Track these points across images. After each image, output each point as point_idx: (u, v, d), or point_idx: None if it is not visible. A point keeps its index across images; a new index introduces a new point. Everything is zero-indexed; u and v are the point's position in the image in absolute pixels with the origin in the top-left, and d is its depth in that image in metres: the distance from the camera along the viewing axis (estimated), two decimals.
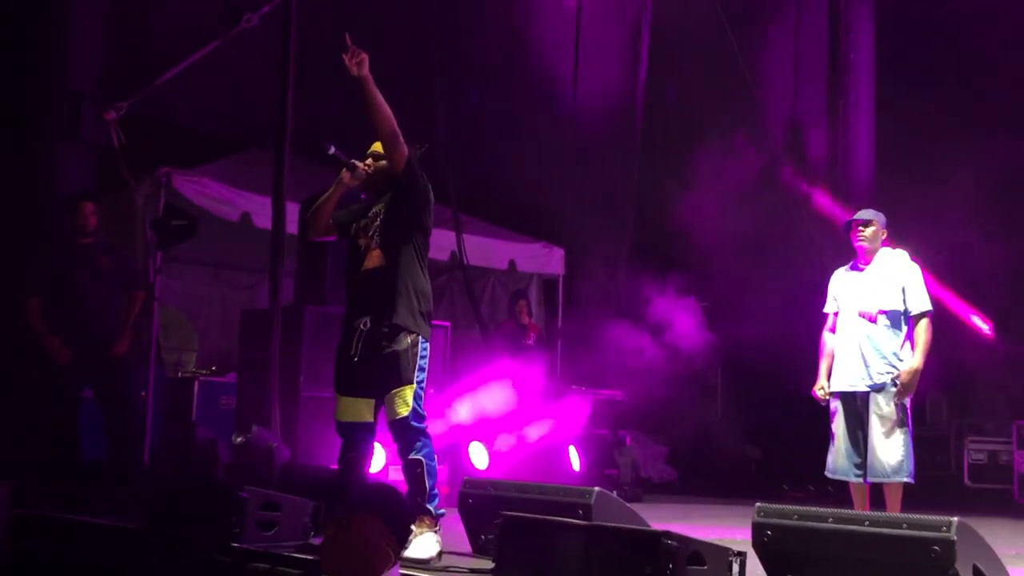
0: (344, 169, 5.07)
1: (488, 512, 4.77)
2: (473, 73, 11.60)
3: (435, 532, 4.84)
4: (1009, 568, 3.93)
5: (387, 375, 4.91)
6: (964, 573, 3.62)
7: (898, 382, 5.77)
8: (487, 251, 10.48)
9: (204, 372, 9.01)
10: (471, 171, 10.73)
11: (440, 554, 4.79)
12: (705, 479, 11.45)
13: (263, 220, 8.22)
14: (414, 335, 4.95)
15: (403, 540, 4.58)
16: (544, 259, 11.07)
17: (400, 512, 4.62)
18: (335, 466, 5.32)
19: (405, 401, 4.88)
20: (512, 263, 10.74)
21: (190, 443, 7.55)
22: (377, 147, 5.15)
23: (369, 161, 5.12)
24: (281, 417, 6.95)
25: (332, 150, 4.97)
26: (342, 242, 5.37)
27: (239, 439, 6.65)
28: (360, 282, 5.00)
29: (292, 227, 7.54)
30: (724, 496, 9.35)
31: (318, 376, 6.97)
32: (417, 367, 4.93)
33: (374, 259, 4.98)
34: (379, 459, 6.99)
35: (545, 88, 11.85)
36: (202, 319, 10.31)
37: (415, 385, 4.91)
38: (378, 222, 5.03)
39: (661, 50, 11.76)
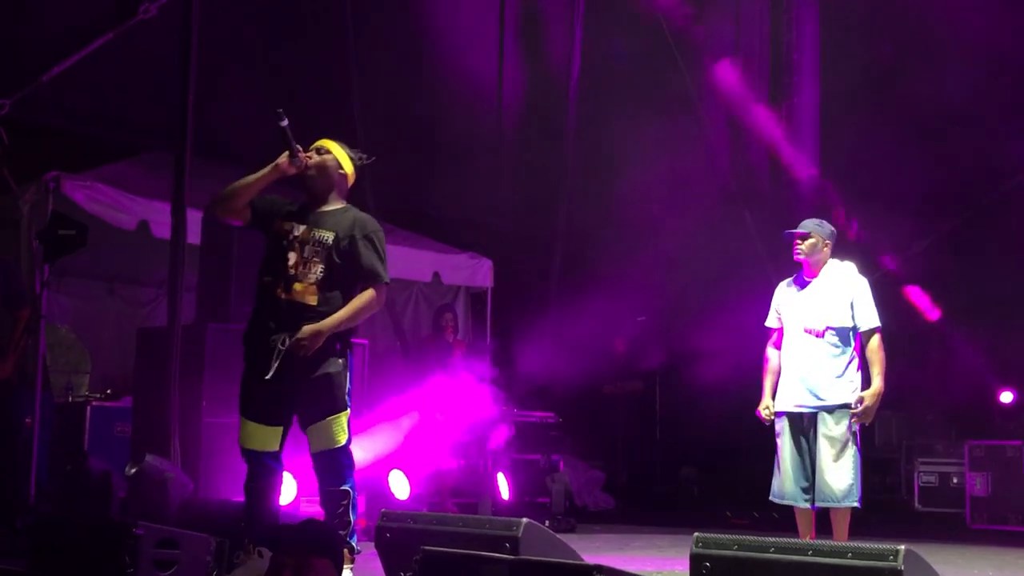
0: (285, 152, 4.96)
1: (407, 547, 4.71)
2: (394, 75, 11.59)
3: (351, 569, 4.81)
4: None
5: (316, 400, 4.84)
6: None
7: (859, 406, 5.83)
8: (409, 262, 10.41)
9: (97, 396, 8.81)
10: (392, 179, 10.70)
11: None
12: (644, 507, 11.52)
13: (162, 229, 8.07)
14: (344, 357, 4.91)
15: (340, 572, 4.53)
16: (471, 271, 11.04)
17: (341, 550, 4.57)
18: (240, 498, 5.23)
19: (343, 428, 4.86)
20: (436, 275, 10.70)
21: (80, 475, 7.36)
22: (323, 142, 5.08)
23: (312, 153, 5.04)
24: (181, 445, 6.82)
25: (285, 122, 4.88)
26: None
27: (133, 470, 6.51)
28: (282, 306, 4.86)
29: (194, 237, 7.42)
30: (664, 525, 9.40)
31: (221, 400, 6.85)
32: (346, 391, 4.90)
33: (307, 294, 4.86)
34: (290, 490, 6.90)
35: (470, 92, 11.89)
36: (94, 338, 10.07)
37: (348, 410, 4.89)
38: (322, 256, 4.88)
39: (593, 49, 11.86)
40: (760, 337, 6.33)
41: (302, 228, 4.94)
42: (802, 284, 6.15)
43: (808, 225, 6.14)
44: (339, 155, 5.07)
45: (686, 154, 11.78)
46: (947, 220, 11.45)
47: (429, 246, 10.78)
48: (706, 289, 10.86)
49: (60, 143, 9.41)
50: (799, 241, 6.09)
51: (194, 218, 7.30)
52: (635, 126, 11.41)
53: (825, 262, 6.12)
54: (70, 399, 8.85)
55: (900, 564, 3.62)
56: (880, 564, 3.65)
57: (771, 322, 6.25)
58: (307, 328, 4.76)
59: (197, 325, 7.36)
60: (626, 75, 12.02)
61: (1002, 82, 11.16)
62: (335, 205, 5.04)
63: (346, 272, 4.91)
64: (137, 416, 7.70)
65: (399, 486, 8.02)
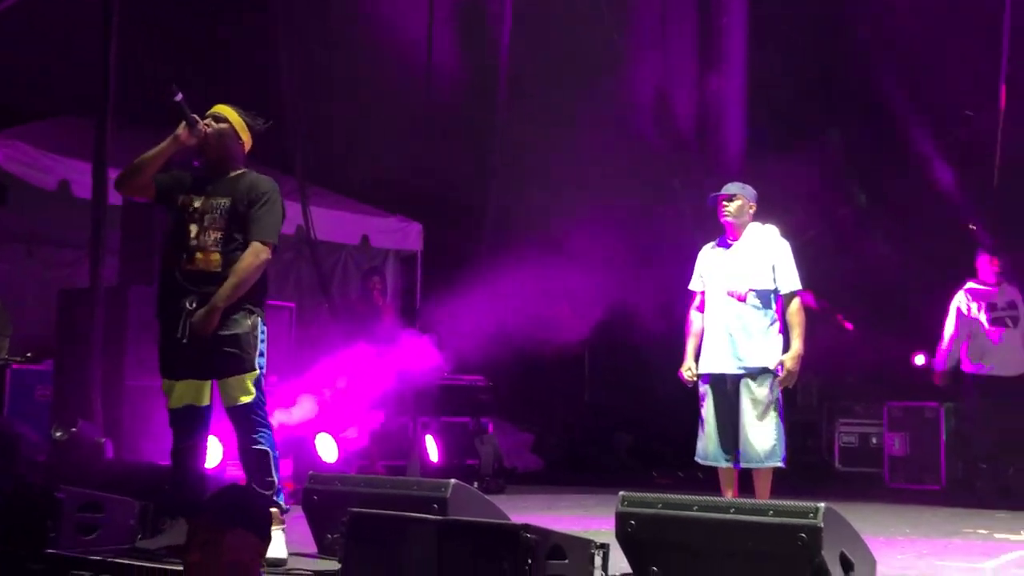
0: (183, 123, 4.90)
1: (335, 509, 4.72)
2: (322, 39, 11.43)
3: (282, 530, 4.79)
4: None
5: (225, 359, 4.80)
6: (831, 560, 3.75)
7: (781, 371, 5.91)
8: (338, 225, 10.34)
9: (17, 359, 8.62)
10: (321, 140, 10.59)
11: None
12: (572, 468, 11.62)
13: (84, 189, 7.91)
14: (254, 316, 4.87)
15: (267, 544, 4.50)
16: (401, 234, 11.00)
17: (264, 516, 4.54)
18: (164, 462, 5.18)
19: (246, 388, 4.81)
20: (365, 238, 10.63)
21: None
22: (219, 109, 5.03)
23: (209, 121, 4.98)
24: (104, 409, 6.72)
25: (179, 96, 4.83)
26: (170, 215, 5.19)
27: (59, 434, 6.41)
28: (187, 276, 4.84)
29: (116, 197, 7.27)
30: (591, 486, 9.50)
31: (145, 363, 6.74)
32: (258, 351, 4.86)
33: (211, 263, 4.83)
34: (215, 454, 6.84)
35: (400, 55, 11.78)
36: (14, 300, 9.84)
37: (257, 371, 4.85)
38: (220, 223, 4.85)
39: (523, 16, 11.81)
40: (687, 301, 6.37)
41: (201, 199, 4.94)
42: (725, 246, 6.19)
43: (733, 187, 6.19)
44: (236, 122, 5.04)
45: (616, 120, 11.81)
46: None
47: (358, 209, 10.70)
48: (636, 254, 10.92)
49: None
50: (725, 203, 6.12)
51: (114, 178, 7.15)
52: (566, 91, 11.41)
53: (748, 225, 6.16)
54: None
55: (820, 521, 3.70)
56: (800, 521, 3.72)
57: (694, 285, 6.29)
58: (198, 313, 4.74)
59: (120, 287, 7.25)
60: (558, 40, 11.99)
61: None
62: (233, 172, 5.02)
63: (245, 236, 4.89)
64: (58, 379, 7.57)
65: (327, 449, 7.99)
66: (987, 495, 8.75)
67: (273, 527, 4.71)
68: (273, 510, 4.77)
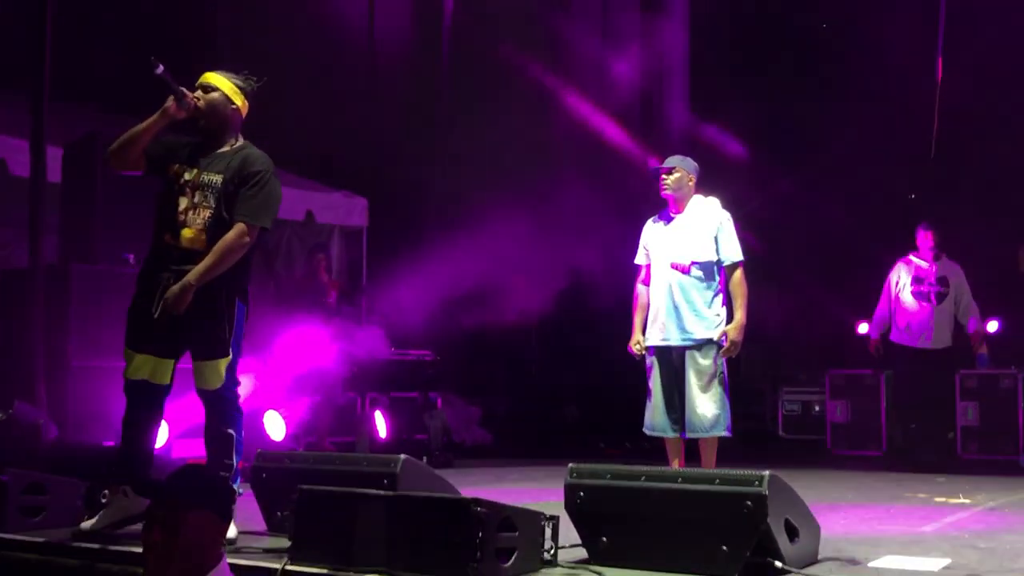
0: (170, 96, 4.74)
1: (284, 487, 4.70)
2: (263, 12, 11.28)
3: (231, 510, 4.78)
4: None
5: (197, 340, 4.75)
6: (776, 527, 3.83)
7: (725, 341, 5.97)
8: (282, 201, 10.23)
9: None
10: (263, 116, 10.45)
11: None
12: (520, 441, 11.68)
13: (20, 167, 7.76)
14: (233, 302, 4.80)
15: (227, 524, 4.47)
16: (345, 210, 10.92)
17: (226, 496, 4.50)
18: (108, 443, 5.12)
19: (219, 374, 4.76)
20: (310, 214, 10.55)
21: None
22: (208, 77, 4.88)
23: (198, 92, 4.84)
24: (47, 390, 6.63)
25: (160, 70, 4.67)
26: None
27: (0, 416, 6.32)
28: (172, 252, 4.75)
29: (54, 175, 7.17)
30: (540, 458, 9.56)
31: (89, 343, 6.67)
32: (233, 337, 4.80)
33: (196, 242, 4.73)
34: (162, 433, 6.78)
35: (343, 28, 11.67)
36: None
37: (230, 357, 4.79)
38: (211, 202, 4.73)
39: None
40: (632, 274, 6.41)
41: (193, 171, 4.80)
42: (668, 220, 6.23)
43: (673, 160, 6.22)
44: (226, 88, 4.87)
45: (560, 89, 11.82)
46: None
47: (302, 185, 10.60)
48: (583, 226, 10.96)
49: None
50: (665, 176, 6.16)
51: (54, 155, 7.05)
52: (510, 64, 11.38)
53: (690, 197, 6.21)
54: None
55: (765, 489, 3.77)
56: (746, 489, 3.79)
57: (640, 259, 6.33)
58: (172, 289, 4.64)
59: (60, 266, 7.14)
60: (501, 8, 11.95)
61: None
62: (229, 145, 4.87)
63: (231, 215, 4.75)
64: None
65: (275, 427, 7.97)
66: (923, 460, 8.95)
67: None
68: None
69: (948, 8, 10.63)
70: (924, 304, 9.13)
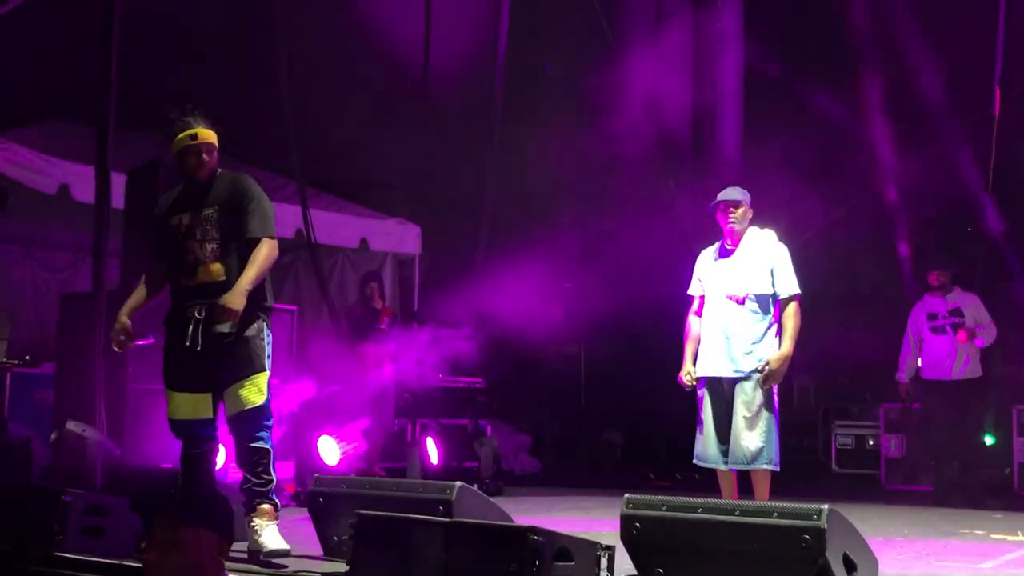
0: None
1: (341, 511, 4.77)
2: (321, 38, 11.45)
3: (276, 524, 4.87)
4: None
5: (233, 364, 4.87)
6: (834, 561, 3.80)
7: (766, 369, 5.95)
8: (337, 228, 10.37)
9: (16, 363, 8.64)
10: (320, 143, 10.61)
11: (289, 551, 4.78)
12: (569, 470, 11.67)
13: (83, 192, 7.92)
14: (259, 320, 4.94)
15: (231, 542, 4.56)
16: (399, 237, 11.02)
17: (225, 515, 4.59)
18: (167, 465, 5.21)
19: (260, 389, 4.90)
20: (364, 241, 10.66)
21: (1, 442, 7.24)
22: (204, 135, 5.01)
23: (204, 157, 5.00)
24: (107, 412, 6.74)
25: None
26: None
27: (56, 436, 6.43)
28: (194, 291, 4.94)
29: (117, 200, 7.31)
30: (589, 487, 9.55)
31: (147, 366, 6.77)
32: (266, 354, 4.95)
33: (213, 273, 4.93)
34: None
35: (397, 58, 11.81)
36: (13, 303, 9.88)
37: (267, 372, 4.93)
38: (214, 233, 4.94)
39: (522, 17, 11.85)
40: (683, 304, 6.41)
41: (188, 215, 5.02)
42: (724, 252, 6.22)
43: (736, 193, 6.17)
44: (215, 140, 5.06)
45: (611, 121, 11.85)
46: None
47: (356, 212, 10.73)
48: (633, 255, 10.97)
49: None
50: (733, 210, 6.14)
51: (117, 181, 7.19)
52: (561, 92, 11.45)
53: (747, 230, 6.20)
54: None
55: (823, 523, 3.75)
56: (805, 523, 3.77)
57: (693, 290, 6.32)
58: (224, 298, 4.80)
59: (122, 290, 7.25)
60: (555, 37, 12.04)
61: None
62: (209, 177, 5.07)
63: (238, 236, 4.97)
64: (60, 383, 7.60)
65: (329, 452, 8.03)
66: (975, 495, 8.87)
67: (267, 522, 4.83)
68: (267, 506, 4.86)
69: (1006, 41, 10.56)
70: (943, 337, 9.24)
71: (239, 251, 4.94)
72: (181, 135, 5.00)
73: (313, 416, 8.11)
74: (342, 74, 11.72)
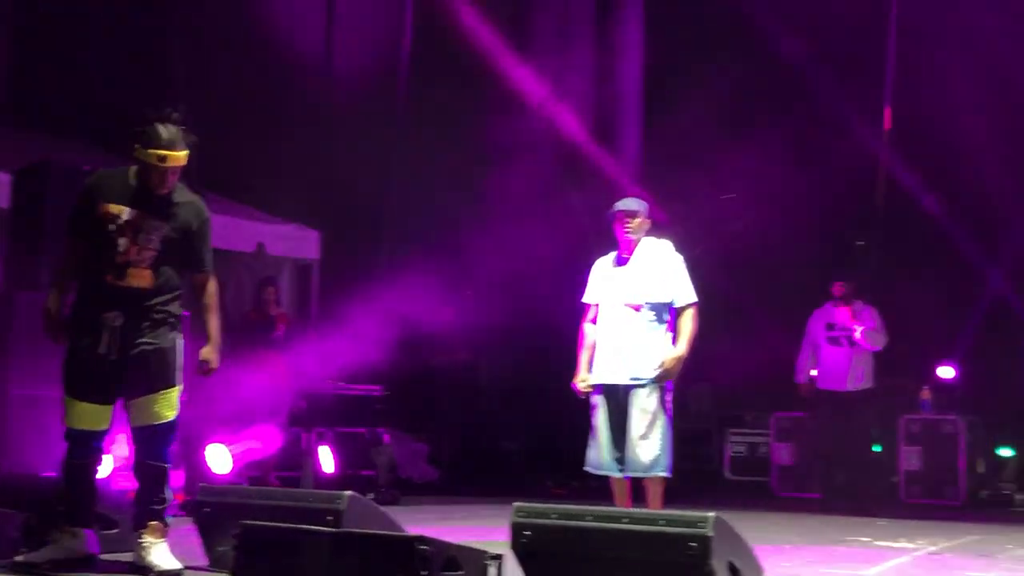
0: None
1: (227, 522, 4.67)
2: (218, 40, 11.26)
3: (166, 543, 4.79)
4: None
5: (147, 375, 4.76)
6: (720, 569, 3.85)
7: (660, 368, 6.00)
8: (231, 232, 10.15)
9: None
10: (216, 146, 10.40)
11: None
12: (467, 479, 11.64)
13: None
14: (176, 331, 4.87)
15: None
16: (297, 242, 10.86)
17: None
18: (50, 473, 5.06)
19: (171, 404, 4.82)
20: (260, 246, 10.48)
21: None
22: (180, 160, 4.77)
23: (172, 181, 4.81)
24: None
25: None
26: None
27: None
28: (115, 292, 4.74)
29: (2, 200, 7.09)
30: (487, 496, 9.53)
31: (30, 372, 6.58)
32: (179, 367, 4.88)
33: (143, 279, 4.77)
34: (106, 465, 6.69)
35: (299, 57, 11.67)
36: None
37: (180, 386, 4.86)
38: (155, 244, 4.76)
39: (424, 16, 11.84)
40: (580, 312, 6.44)
41: (130, 212, 4.78)
42: (620, 261, 6.27)
43: (634, 203, 6.25)
44: (177, 161, 4.79)
45: (514, 131, 11.90)
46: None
47: (253, 216, 10.55)
48: (533, 262, 11.00)
49: None
50: (629, 220, 6.20)
51: (2, 180, 6.97)
52: (464, 99, 11.44)
53: (643, 239, 6.27)
54: None
55: (709, 530, 3.79)
56: (691, 531, 3.80)
57: (588, 298, 6.36)
58: (212, 356, 4.93)
59: (5, 294, 7.04)
60: (458, 47, 12.02)
61: None
62: (167, 189, 4.86)
63: (178, 256, 4.87)
64: None
65: (219, 461, 7.88)
66: (864, 503, 9.10)
67: (157, 539, 4.77)
68: (158, 523, 4.80)
69: (897, 60, 10.88)
70: (839, 348, 9.53)
71: (171, 268, 4.83)
72: (150, 151, 4.70)
73: (205, 424, 7.95)
74: (241, 74, 11.53)
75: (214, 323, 4.95)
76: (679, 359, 6.02)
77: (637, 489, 6.19)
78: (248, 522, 4.14)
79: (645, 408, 6.01)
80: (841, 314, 9.59)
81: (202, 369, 4.96)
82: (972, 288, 11.04)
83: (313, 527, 4.06)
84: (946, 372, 10.49)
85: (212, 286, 5.00)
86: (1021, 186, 10.92)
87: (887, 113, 11.26)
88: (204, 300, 4.98)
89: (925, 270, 10.76)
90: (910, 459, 10.05)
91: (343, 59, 11.94)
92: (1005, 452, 10.21)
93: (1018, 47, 10.79)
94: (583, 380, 6.22)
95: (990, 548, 6.70)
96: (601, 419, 6.12)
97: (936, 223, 11.19)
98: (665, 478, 6.04)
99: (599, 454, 6.11)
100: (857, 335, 9.44)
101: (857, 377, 9.49)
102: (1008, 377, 10.07)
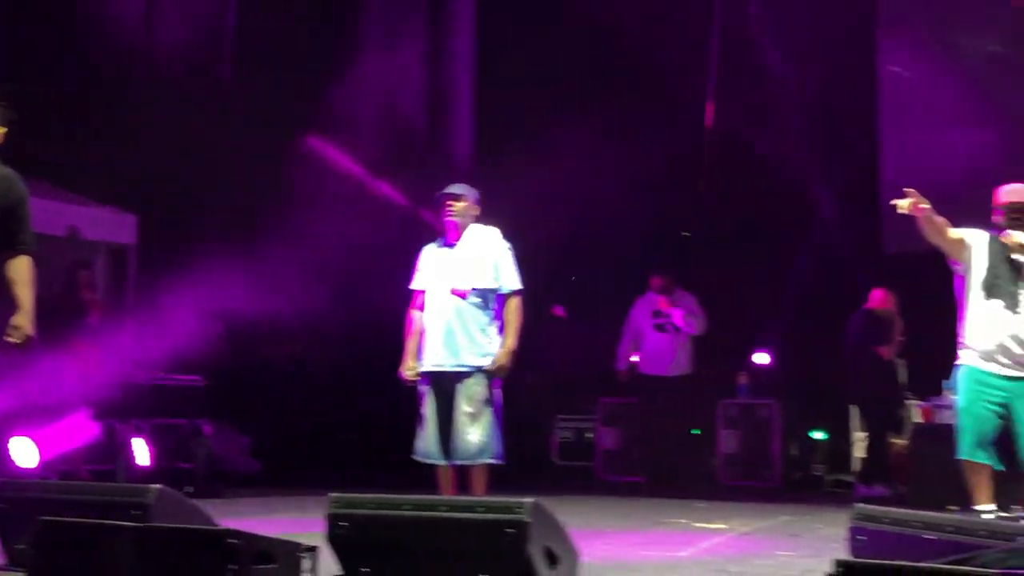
0: None
1: (28, 518, 4.43)
2: (36, 16, 10.68)
3: None
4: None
5: None
6: (537, 555, 3.86)
7: (493, 365, 6.01)
8: (43, 215, 9.66)
9: None
10: (26, 124, 9.89)
11: None
12: (294, 470, 11.42)
13: None
14: None
15: None
16: (113, 226, 10.45)
17: None
18: None
19: None
20: (73, 229, 10.03)
21: None
22: None
23: None
24: None
25: None
26: None
27: None
28: None
29: None
30: (313, 487, 9.36)
31: None
32: None
33: None
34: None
35: (116, 36, 11.19)
36: None
37: None
38: None
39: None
40: (408, 299, 6.39)
41: None
42: (448, 246, 6.27)
43: (459, 188, 6.27)
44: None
45: (342, 111, 11.73)
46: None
47: (65, 198, 10.08)
48: (363, 249, 10.86)
49: None
50: (452, 203, 6.19)
51: None
52: (290, 79, 11.21)
53: (470, 225, 6.26)
54: None
55: (526, 516, 3.80)
56: (508, 516, 3.82)
57: (416, 284, 6.33)
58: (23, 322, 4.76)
59: None
60: (287, 28, 11.76)
61: None
62: None
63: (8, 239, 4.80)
64: None
65: (24, 454, 7.49)
66: (682, 485, 9.40)
67: None
68: None
69: (720, 48, 11.17)
70: (664, 335, 9.96)
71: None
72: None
73: (10, 416, 7.55)
74: (58, 51, 10.97)
75: (26, 293, 4.66)
76: (510, 353, 6.07)
77: (464, 478, 6.17)
78: (46, 518, 3.93)
79: (472, 396, 6.02)
80: (663, 302, 9.91)
81: (12, 336, 4.63)
82: (784, 277, 11.43)
83: (114, 522, 3.89)
84: (762, 358, 10.86)
85: (27, 261, 4.82)
86: (827, 174, 11.37)
87: (709, 108, 11.57)
88: (12, 275, 4.73)
89: (742, 260, 11.09)
90: (728, 442, 10.37)
91: (163, 34, 11.51)
92: (817, 435, 10.63)
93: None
94: (410, 368, 6.19)
95: (800, 528, 6.96)
96: (430, 408, 6.11)
97: (754, 213, 11.53)
98: (492, 465, 6.04)
99: (427, 443, 6.10)
100: (678, 320, 9.77)
101: (679, 363, 9.83)
102: (819, 363, 10.47)
